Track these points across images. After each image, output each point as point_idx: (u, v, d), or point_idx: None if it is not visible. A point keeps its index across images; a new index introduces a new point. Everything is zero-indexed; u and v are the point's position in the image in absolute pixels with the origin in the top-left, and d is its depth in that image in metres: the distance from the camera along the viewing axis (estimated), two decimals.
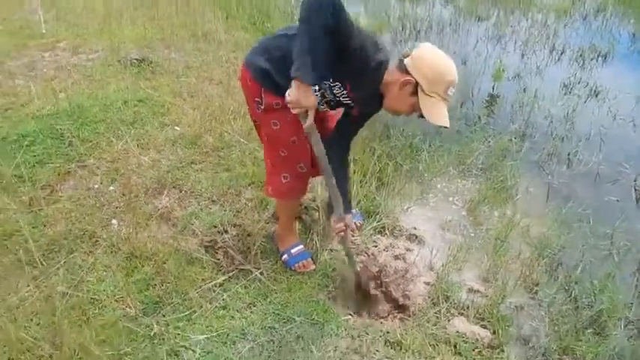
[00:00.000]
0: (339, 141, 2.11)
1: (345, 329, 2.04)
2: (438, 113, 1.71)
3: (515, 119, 3.84)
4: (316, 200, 2.68)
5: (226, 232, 2.43)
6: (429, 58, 1.71)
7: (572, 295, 2.28)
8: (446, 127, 1.76)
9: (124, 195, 2.69)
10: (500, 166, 3.16)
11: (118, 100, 3.36)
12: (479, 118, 3.81)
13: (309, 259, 2.30)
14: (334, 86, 1.85)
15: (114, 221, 2.55)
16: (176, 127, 3.25)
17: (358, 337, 2.00)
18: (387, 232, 2.62)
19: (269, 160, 2.12)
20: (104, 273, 2.27)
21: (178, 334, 2.01)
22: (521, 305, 2.25)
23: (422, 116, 1.74)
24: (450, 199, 2.95)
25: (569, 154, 3.45)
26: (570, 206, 2.88)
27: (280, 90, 1.83)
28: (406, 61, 1.73)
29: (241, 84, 2.01)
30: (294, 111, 1.71)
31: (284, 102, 1.84)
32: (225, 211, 2.60)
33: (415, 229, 2.68)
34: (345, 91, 1.85)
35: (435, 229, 2.71)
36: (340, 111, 2.13)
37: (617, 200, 3.03)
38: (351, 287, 2.28)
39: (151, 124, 3.23)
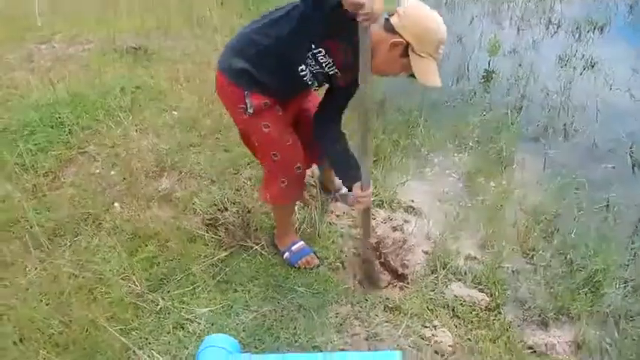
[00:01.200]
0: (332, 117, 2.06)
1: (345, 297, 2.10)
2: (430, 73, 1.67)
3: (511, 93, 3.86)
4: (314, 176, 2.72)
5: (226, 209, 2.48)
6: (419, 17, 1.66)
7: (568, 258, 2.32)
8: (438, 86, 1.71)
9: (124, 179, 2.74)
10: (496, 138, 3.18)
11: (116, 88, 3.39)
12: (475, 93, 3.83)
13: (313, 254, 2.25)
14: (318, 54, 1.77)
15: (116, 204, 2.60)
16: (174, 112, 3.29)
17: (358, 303, 2.06)
18: (385, 205, 2.66)
19: (265, 167, 2.09)
20: (109, 253, 2.33)
21: (183, 307, 2.07)
22: (518, 270, 2.30)
23: (412, 75, 1.70)
24: (447, 172, 2.98)
25: (565, 125, 3.47)
26: (566, 175, 2.92)
27: (265, 87, 1.85)
28: (393, 20, 1.67)
29: (218, 92, 1.95)
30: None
31: (272, 100, 1.87)
32: (224, 190, 2.64)
33: (413, 201, 2.72)
34: (330, 60, 1.80)
35: (432, 200, 2.75)
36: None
37: (613, 167, 3.06)
38: (358, 259, 2.29)
39: (149, 110, 3.27)
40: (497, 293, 2.12)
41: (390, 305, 2.05)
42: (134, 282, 2.17)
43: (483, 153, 3.09)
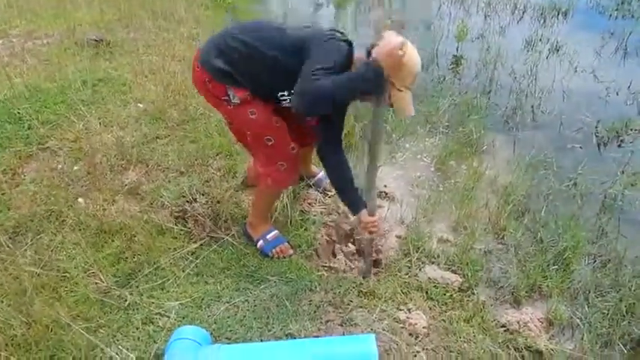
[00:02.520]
0: (334, 143, 2.05)
1: (319, 284, 2.07)
2: (407, 105, 1.76)
3: (480, 77, 3.89)
4: None
5: (195, 200, 2.42)
6: (396, 59, 1.66)
7: (538, 237, 2.35)
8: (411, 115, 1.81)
9: (89, 173, 2.64)
10: (466, 122, 3.20)
11: (77, 81, 3.28)
12: (444, 78, 3.84)
13: (287, 244, 2.22)
14: None
15: (80, 199, 2.51)
16: (139, 104, 3.19)
17: (332, 290, 2.03)
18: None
19: (261, 155, 2.06)
20: (73, 250, 2.24)
21: (152, 302, 2.01)
22: (490, 250, 2.31)
23: (390, 105, 1.78)
24: (418, 156, 2.98)
25: (532, 107, 3.51)
26: (535, 155, 2.95)
27: (244, 84, 1.87)
28: (375, 54, 1.68)
29: (197, 85, 1.96)
30: None
31: (253, 92, 1.89)
32: (193, 181, 2.57)
33: (385, 186, 2.70)
34: None
35: (405, 185, 2.75)
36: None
37: (580, 147, 3.11)
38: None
39: (113, 103, 3.17)
40: (470, 274, 2.12)
41: (364, 290, 2.03)
42: (100, 278, 2.09)
43: (454, 137, 3.11)
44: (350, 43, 1.86)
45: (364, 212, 1.99)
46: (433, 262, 2.22)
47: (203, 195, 2.47)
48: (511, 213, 2.51)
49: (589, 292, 2.08)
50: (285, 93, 1.89)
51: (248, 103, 1.90)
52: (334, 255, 2.37)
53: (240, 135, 2.10)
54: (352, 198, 2.04)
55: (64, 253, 2.23)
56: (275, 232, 2.25)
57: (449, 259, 2.23)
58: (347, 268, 2.30)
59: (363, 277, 2.15)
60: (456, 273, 2.16)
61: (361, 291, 2.03)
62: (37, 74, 3.43)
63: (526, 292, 2.08)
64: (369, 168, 1.95)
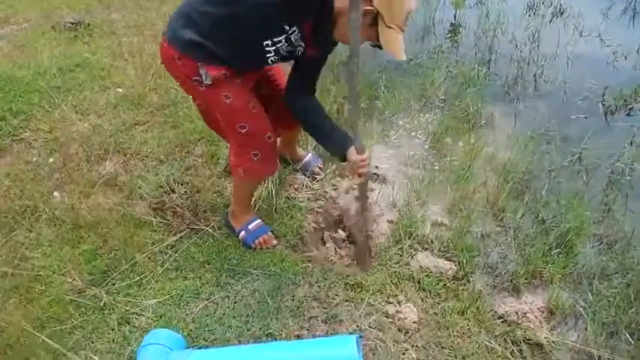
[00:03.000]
0: (306, 91, 1.88)
1: (303, 277, 1.95)
2: (397, 46, 1.56)
3: (479, 46, 3.67)
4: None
5: (173, 191, 2.29)
6: None
7: (540, 217, 2.19)
8: (403, 60, 1.61)
9: (64, 165, 2.52)
10: (463, 95, 3.01)
11: (53, 67, 3.12)
12: (440, 48, 3.63)
13: (270, 234, 2.09)
14: (292, 33, 1.65)
15: (56, 193, 2.39)
16: (118, 89, 3.04)
17: (316, 283, 1.91)
18: (347, 174, 2.49)
19: (233, 142, 1.91)
20: (49, 247, 2.15)
21: (129, 301, 1.91)
22: (487, 233, 2.17)
23: (376, 46, 1.60)
24: (413, 133, 2.81)
25: (534, 76, 3.31)
26: (536, 129, 2.77)
27: (222, 59, 1.68)
28: None
29: (166, 64, 1.77)
30: None
31: (230, 70, 1.70)
32: (173, 170, 2.44)
33: (377, 167, 2.55)
34: (302, 40, 1.68)
35: (398, 165, 2.59)
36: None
37: (585, 117, 2.92)
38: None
39: (90, 89, 3.02)
40: (465, 261, 1.98)
41: (351, 282, 1.90)
42: (75, 277, 2.00)
43: (450, 111, 2.93)
44: None
45: (352, 150, 1.76)
46: (426, 249, 2.09)
47: (182, 185, 2.34)
48: (511, 192, 2.35)
49: (593, 277, 1.94)
50: (269, 42, 1.66)
51: (222, 85, 1.72)
52: (323, 242, 2.24)
53: (212, 119, 1.94)
54: (333, 137, 1.82)
55: (39, 250, 2.14)
56: (257, 222, 2.12)
57: (443, 244, 2.09)
58: (337, 256, 2.17)
59: (360, 266, 2.03)
60: (450, 260, 2.02)
61: (348, 283, 1.91)
62: (12, 62, 3.28)
63: (526, 278, 1.94)
64: (351, 103, 1.74)
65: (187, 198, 2.25)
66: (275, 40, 1.65)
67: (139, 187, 2.36)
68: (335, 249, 2.21)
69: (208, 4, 1.62)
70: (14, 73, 3.08)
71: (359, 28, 1.50)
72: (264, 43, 1.67)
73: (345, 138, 1.80)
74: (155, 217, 2.22)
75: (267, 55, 1.72)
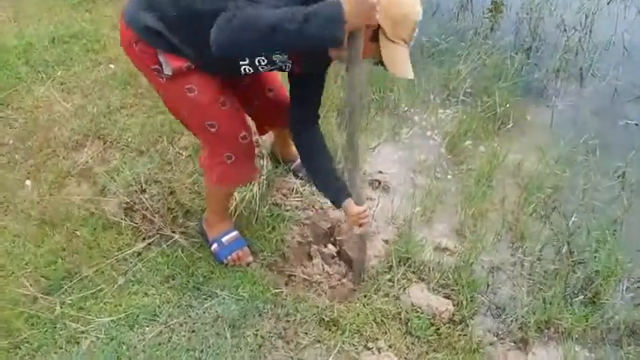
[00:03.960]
0: (309, 117, 1.67)
1: (273, 306, 1.70)
2: (402, 63, 1.37)
3: (520, 30, 3.20)
4: (259, 145, 2.26)
5: (144, 191, 2.06)
6: None
7: (564, 251, 1.84)
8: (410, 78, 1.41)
9: (40, 151, 2.33)
10: (493, 89, 2.60)
11: (46, 38, 2.91)
12: (475, 31, 3.18)
13: (245, 249, 1.86)
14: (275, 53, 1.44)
15: (28, 182, 2.22)
16: (110, 65, 2.81)
17: (286, 316, 1.65)
18: (344, 178, 2.19)
19: (204, 143, 1.67)
20: (12, 244, 1.99)
21: (81, 316, 1.73)
22: (498, 265, 1.84)
23: (379, 63, 1.40)
24: (428, 133, 2.46)
25: (581, 69, 2.85)
26: (575, 135, 2.36)
27: (181, 52, 1.41)
28: None
29: (124, 49, 1.51)
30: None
31: (195, 63, 1.44)
32: (153, 164, 2.21)
33: (380, 172, 2.24)
34: (286, 57, 1.46)
35: (405, 171, 2.27)
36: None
37: (636, 124, 2.48)
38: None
39: (82, 64, 2.79)
40: (465, 300, 1.68)
41: (327, 318, 1.64)
42: (31, 282, 1.82)
43: (475, 109, 2.54)
44: None
45: (349, 202, 1.60)
46: (422, 280, 1.79)
47: (157, 183, 2.11)
48: (533, 214, 2.00)
49: (622, 334, 1.59)
50: (246, 61, 1.45)
51: (184, 76, 1.46)
52: (310, 257, 1.98)
53: (176, 110, 1.67)
54: (333, 187, 1.67)
55: (4, 246, 1.97)
56: (233, 234, 1.87)
57: (443, 276, 1.78)
58: (324, 274, 1.91)
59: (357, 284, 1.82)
60: (448, 297, 1.72)
61: (322, 319, 1.64)
62: (8, 29, 3.09)
63: (538, 328, 1.63)
64: (348, 148, 1.55)
65: (159, 200, 2.02)
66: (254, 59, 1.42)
67: (115, 182, 2.15)
68: (322, 265, 1.95)
69: None
70: (7, 42, 2.89)
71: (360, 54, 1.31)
72: (240, 62, 1.43)
73: (342, 189, 1.64)
74: (124, 219, 2.00)
75: (241, 64, 1.46)
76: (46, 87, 2.62)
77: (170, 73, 1.44)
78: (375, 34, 1.34)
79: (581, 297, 1.67)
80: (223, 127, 1.56)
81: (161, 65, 1.44)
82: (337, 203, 1.65)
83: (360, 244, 1.78)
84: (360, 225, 1.63)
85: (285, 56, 1.46)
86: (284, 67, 1.52)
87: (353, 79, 1.39)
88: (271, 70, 1.55)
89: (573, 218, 1.95)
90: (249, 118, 1.83)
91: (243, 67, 1.47)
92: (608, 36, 3.05)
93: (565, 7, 3.32)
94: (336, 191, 1.65)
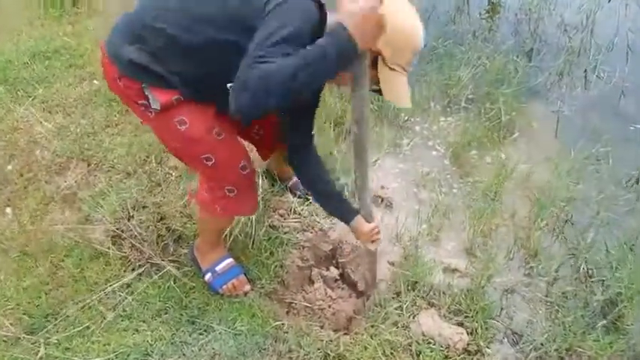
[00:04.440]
0: (304, 142, 1.58)
1: (274, 341, 1.57)
2: (400, 91, 1.31)
3: (520, 31, 3.11)
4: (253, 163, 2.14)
5: (132, 217, 1.93)
6: (397, 22, 1.21)
7: (582, 269, 1.73)
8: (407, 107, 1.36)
9: (21, 175, 2.20)
10: (496, 95, 2.50)
11: (26, 54, 2.78)
12: (473, 34, 3.08)
13: (242, 277, 1.73)
14: None
15: (8, 209, 2.08)
16: (94, 81, 2.68)
17: (288, 352, 1.53)
18: (346, 194, 2.07)
19: (202, 176, 1.56)
20: None
21: (68, 357, 1.60)
22: (512, 287, 1.73)
23: (375, 91, 1.33)
24: (430, 143, 2.35)
25: (585, 71, 2.75)
26: (585, 142, 2.26)
27: (169, 83, 1.30)
28: (339, 14, 1.23)
29: (108, 83, 1.40)
30: None
31: (184, 94, 1.32)
32: (139, 186, 2.08)
33: (382, 188, 2.13)
34: None
35: (408, 186, 2.15)
36: None
37: None
38: None
39: (64, 81, 2.66)
40: (479, 329, 1.56)
41: (332, 353, 1.51)
42: (12, 321, 1.69)
43: (478, 116, 2.44)
44: (320, 3, 1.28)
45: (359, 220, 1.55)
46: (433, 306, 1.67)
47: (144, 208, 1.98)
48: (546, 229, 1.89)
49: None
50: None
51: (174, 109, 1.34)
52: (311, 282, 1.86)
53: (172, 149, 1.54)
54: (340, 207, 1.61)
55: None
56: (228, 262, 1.75)
57: (454, 301, 1.67)
58: (326, 299, 1.79)
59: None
60: (462, 324, 1.60)
61: (328, 354, 1.52)
62: None
63: (559, 356, 1.51)
64: (357, 167, 1.47)
65: (148, 227, 1.89)
66: None
67: (101, 207, 2.02)
68: (325, 290, 1.83)
69: (164, 21, 1.26)
70: None
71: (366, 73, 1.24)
72: (229, 86, 1.28)
73: (350, 207, 1.59)
74: (111, 248, 1.87)
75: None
76: (25, 106, 2.49)
77: (158, 108, 1.32)
78: (374, 60, 1.26)
79: (604, 321, 1.55)
80: (221, 159, 1.43)
81: (148, 100, 1.32)
82: (347, 222, 1.58)
83: (370, 262, 1.69)
84: (373, 242, 1.57)
85: None
86: None
87: (359, 100, 1.29)
88: None
89: (590, 233, 1.84)
90: (249, 144, 1.73)
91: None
92: (611, 35, 2.96)
93: (565, 7, 3.23)
94: (344, 211, 1.59)
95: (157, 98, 1.31)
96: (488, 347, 1.54)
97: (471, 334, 1.57)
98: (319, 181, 1.60)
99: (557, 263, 1.76)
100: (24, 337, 1.65)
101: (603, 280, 1.68)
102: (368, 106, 1.34)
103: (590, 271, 1.72)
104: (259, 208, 1.93)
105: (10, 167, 2.25)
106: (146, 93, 1.31)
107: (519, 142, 2.31)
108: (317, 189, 1.63)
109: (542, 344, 1.54)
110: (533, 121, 2.40)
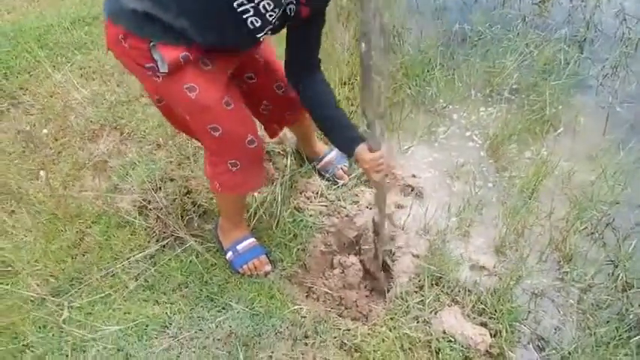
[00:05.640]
0: (310, 64, 1.50)
1: (291, 324, 1.56)
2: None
3: (574, 18, 2.91)
4: (283, 143, 2.10)
5: (159, 189, 1.93)
6: None
7: (620, 279, 1.62)
8: None
9: (56, 140, 2.24)
10: (542, 86, 2.36)
11: (67, 19, 2.80)
12: (523, 19, 2.90)
13: (263, 257, 1.72)
14: None
15: (42, 173, 2.13)
16: None
17: (305, 337, 1.51)
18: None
19: (205, 147, 1.53)
20: (24, 238, 1.90)
21: (89, 323, 1.64)
22: (543, 290, 1.65)
23: None
24: (468, 133, 2.25)
25: None
26: (636, 143, 2.11)
27: (180, 34, 1.24)
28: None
29: (113, 49, 1.34)
30: None
31: (194, 50, 1.27)
32: (171, 158, 2.09)
33: (414, 176, 2.05)
34: None
35: (441, 176, 2.07)
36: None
37: None
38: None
39: (103, 48, 2.67)
40: (504, 331, 1.50)
41: (349, 343, 1.49)
42: (40, 281, 1.74)
43: (521, 108, 2.31)
44: None
45: (362, 148, 1.39)
46: (456, 303, 1.61)
47: (172, 181, 1.98)
48: (584, 233, 1.79)
49: None
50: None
51: (183, 73, 1.30)
52: (332, 268, 1.83)
53: (179, 120, 1.51)
54: (343, 135, 1.47)
55: (14, 240, 1.90)
56: (250, 242, 1.74)
57: (480, 299, 1.60)
58: (347, 286, 1.76)
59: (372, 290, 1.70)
60: (485, 325, 1.54)
61: (344, 344, 1.49)
62: (32, 9, 3.00)
63: None
64: (364, 82, 1.27)
65: (174, 200, 1.89)
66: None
67: (130, 177, 2.04)
68: (345, 277, 1.79)
69: None
70: (28, 24, 2.80)
71: None
72: (235, 3, 1.22)
73: (354, 137, 1.43)
74: (137, 219, 1.89)
75: (245, 17, 1.25)
76: (63, 72, 2.52)
77: (166, 70, 1.28)
78: None
79: (639, 337, 1.46)
80: (228, 130, 1.40)
81: (156, 62, 1.28)
82: (350, 152, 1.44)
83: (379, 200, 1.54)
84: (377, 172, 1.41)
85: None
86: (289, 12, 1.31)
87: (367, 11, 1.11)
88: (277, 21, 1.32)
89: (633, 243, 1.73)
90: (256, 120, 1.68)
91: (249, 19, 1.26)
92: None
93: None
94: (348, 139, 1.44)
95: (165, 58, 1.26)
96: (511, 351, 1.48)
97: (495, 335, 1.51)
98: (326, 104, 1.49)
99: (593, 270, 1.66)
100: (49, 299, 1.70)
101: None
102: (376, 18, 1.19)
103: (629, 281, 1.61)
104: (282, 183, 1.90)
105: (45, 131, 2.29)
106: (153, 54, 1.27)
107: (563, 137, 2.18)
108: (322, 113, 1.51)
109: (569, 353, 1.46)
110: (580, 116, 2.26)
